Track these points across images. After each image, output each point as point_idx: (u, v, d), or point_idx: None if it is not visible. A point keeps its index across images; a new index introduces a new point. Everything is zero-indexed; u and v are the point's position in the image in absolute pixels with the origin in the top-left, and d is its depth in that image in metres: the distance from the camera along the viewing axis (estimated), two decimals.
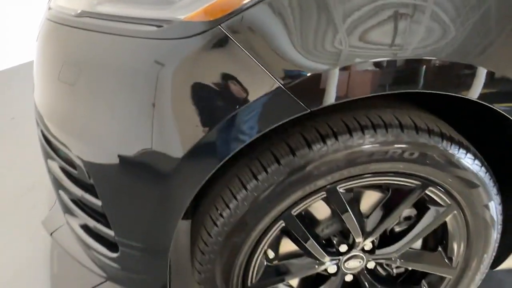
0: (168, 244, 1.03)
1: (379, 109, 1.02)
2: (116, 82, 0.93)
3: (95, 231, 1.14)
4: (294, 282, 1.26)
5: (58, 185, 1.22)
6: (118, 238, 1.06)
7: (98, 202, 1.05)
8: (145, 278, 1.12)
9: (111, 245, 1.11)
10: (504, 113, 0.96)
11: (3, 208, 2.08)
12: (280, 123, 0.88)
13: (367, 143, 0.96)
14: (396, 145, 0.97)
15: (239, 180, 1.00)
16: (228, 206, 1.01)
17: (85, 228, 1.19)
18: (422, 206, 1.15)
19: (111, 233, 1.07)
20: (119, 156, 0.95)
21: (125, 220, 1.04)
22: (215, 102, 0.86)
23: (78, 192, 1.10)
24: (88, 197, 1.07)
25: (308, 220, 1.13)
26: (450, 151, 1.02)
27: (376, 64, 0.85)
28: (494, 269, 1.35)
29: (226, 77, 0.85)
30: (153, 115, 0.90)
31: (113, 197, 1.02)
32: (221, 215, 1.02)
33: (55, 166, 1.20)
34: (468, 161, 1.04)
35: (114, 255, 1.11)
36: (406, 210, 1.18)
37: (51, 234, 1.34)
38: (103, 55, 0.96)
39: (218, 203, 1.03)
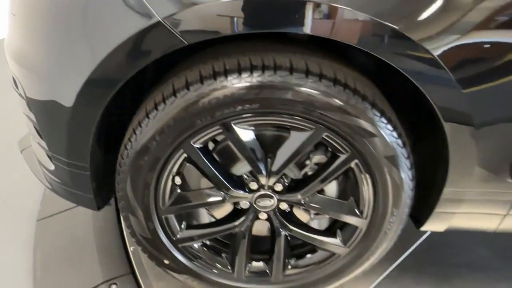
0: (86, 161, 1.18)
1: (280, 52, 1.06)
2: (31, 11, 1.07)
3: (41, 146, 1.31)
4: (217, 213, 1.37)
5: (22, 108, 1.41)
6: (50, 152, 1.23)
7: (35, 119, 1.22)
8: (75, 192, 1.28)
9: (50, 159, 1.28)
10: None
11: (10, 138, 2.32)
12: (161, 55, 0.97)
13: (255, 81, 1.03)
14: (280, 87, 1.02)
15: (145, 110, 1.12)
16: (135, 132, 1.13)
17: (37, 145, 1.37)
18: (334, 154, 1.19)
19: (46, 147, 1.24)
20: (39, 80, 1.11)
21: (51, 136, 1.21)
22: (98, 37, 0.98)
23: (26, 111, 1.28)
24: (31, 115, 1.25)
25: (226, 156, 1.23)
26: (341, 97, 1.04)
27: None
28: (419, 229, 1.36)
29: (111, 11, 0.96)
30: (59, 47, 1.04)
31: (40, 115, 1.19)
32: (129, 139, 1.14)
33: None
34: (362, 108, 1.06)
35: (52, 168, 1.28)
36: (318, 157, 1.23)
37: (21, 151, 1.55)
38: None
39: (130, 129, 1.15)
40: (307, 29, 0.96)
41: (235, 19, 0.93)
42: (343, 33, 0.97)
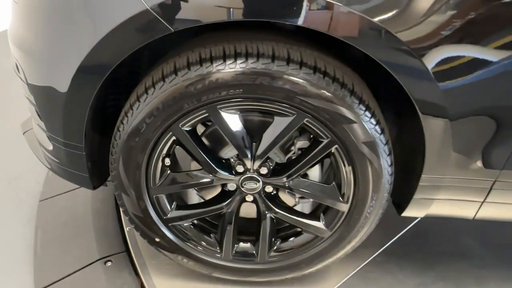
0: (81, 142, 1.25)
1: (265, 41, 1.12)
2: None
3: (40, 127, 1.39)
4: (206, 194, 1.44)
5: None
6: (48, 132, 1.31)
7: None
8: (71, 171, 1.36)
9: (48, 139, 1.36)
10: None
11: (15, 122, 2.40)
12: (149, 41, 1.03)
13: (238, 68, 1.08)
14: (261, 73, 1.08)
15: (136, 94, 1.18)
16: (127, 115, 1.19)
17: (37, 127, 1.45)
18: (316, 140, 1.24)
19: (45, 128, 1.32)
20: (37, 66, 1.19)
21: (48, 118, 1.28)
22: (89, 25, 1.04)
23: (27, 93, 1.35)
24: (31, 98, 1.32)
25: (214, 140, 1.29)
26: (320, 84, 1.09)
27: None
28: (400, 214, 1.41)
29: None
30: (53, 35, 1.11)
31: (38, 98, 1.26)
32: (122, 122, 1.21)
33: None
34: (341, 95, 1.11)
35: (51, 148, 1.36)
36: (301, 142, 1.29)
37: (23, 133, 1.63)
38: None
39: (122, 113, 1.22)
40: (300, 20, 1.01)
41: (220, 8, 0.99)
42: (331, 27, 1.01)
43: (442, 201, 1.31)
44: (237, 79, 1.09)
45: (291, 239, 1.45)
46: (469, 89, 1.08)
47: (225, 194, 1.37)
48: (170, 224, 1.39)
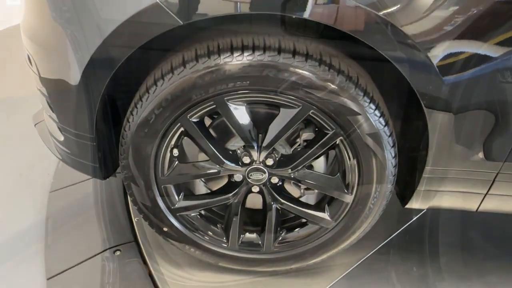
0: (92, 133, 1.28)
1: (270, 35, 1.14)
2: None
3: (52, 119, 1.42)
4: (213, 185, 1.47)
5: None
6: (60, 124, 1.34)
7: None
8: (82, 161, 1.39)
9: (60, 130, 1.39)
10: None
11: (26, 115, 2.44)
12: (157, 34, 1.06)
13: (245, 60, 1.11)
14: (268, 65, 1.10)
15: (146, 85, 1.21)
16: (136, 106, 1.22)
17: (49, 118, 1.48)
18: (321, 132, 1.27)
19: (56, 119, 1.35)
20: (49, 58, 1.22)
21: (60, 110, 1.31)
22: (99, 18, 1.07)
23: (39, 85, 1.38)
24: (43, 89, 1.35)
25: (221, 131, 1.32)
26: (325, 76, 1.11)
27: None
28: (404, 206, 1.43)
29: None
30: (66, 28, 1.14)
31: (50, 91, 1.29)
32: (131, 113, 1.24)
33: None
34: (346, 87, 1.13)
35: (62, 138, 1.39)
36: (306, 134, 1.31)
37: (35, 125, 1.66)
38: None
39: (132, 104, 1.25)
40: (306, 14, 1.03)
41: (227, 1, 1.02)
42: (337, 20, 1.03)
43: (445, 193, 1.33)
44: (244, 71, 1.11)
45: (296, 229, 1.47)
46: (473, 84, 1.10)
47: (231, 185, 1.40)
48: (177, 214, 1.42)
